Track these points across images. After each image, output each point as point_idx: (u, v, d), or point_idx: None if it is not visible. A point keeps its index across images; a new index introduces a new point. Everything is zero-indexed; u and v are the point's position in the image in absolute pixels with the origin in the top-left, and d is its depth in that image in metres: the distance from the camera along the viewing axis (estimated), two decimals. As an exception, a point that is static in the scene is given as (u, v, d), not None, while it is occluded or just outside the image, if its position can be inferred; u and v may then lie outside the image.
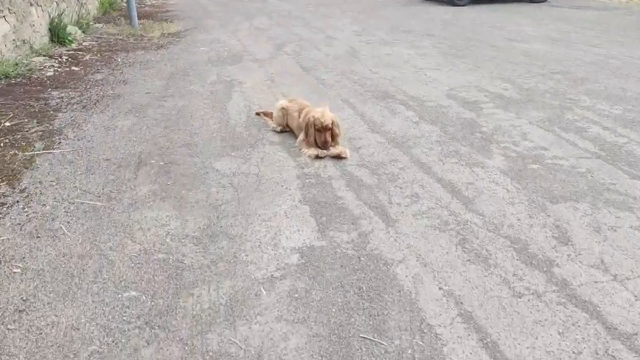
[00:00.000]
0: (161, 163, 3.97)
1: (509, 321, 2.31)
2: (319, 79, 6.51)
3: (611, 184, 3.64)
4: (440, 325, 2.29)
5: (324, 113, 4.11)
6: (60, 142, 4.40)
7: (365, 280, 2.58)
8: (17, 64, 6.65)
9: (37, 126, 4.78)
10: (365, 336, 2.23)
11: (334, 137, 4.14)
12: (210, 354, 2.15)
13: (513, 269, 2.68)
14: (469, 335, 2.24)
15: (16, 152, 4.15)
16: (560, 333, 2.25)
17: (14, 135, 4.48)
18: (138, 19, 10.82)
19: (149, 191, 3.52)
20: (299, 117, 4.41)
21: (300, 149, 4.20)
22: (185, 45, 8.84)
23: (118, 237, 2.98)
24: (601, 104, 5.40)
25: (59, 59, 7.45)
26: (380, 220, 3.15)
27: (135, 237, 2.98)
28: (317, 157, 4.04)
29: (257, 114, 5.07)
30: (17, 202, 3.36)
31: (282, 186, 3.60)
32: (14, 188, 3.55)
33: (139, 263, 2.73)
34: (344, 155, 4.02)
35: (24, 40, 7.30)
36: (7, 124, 4.78)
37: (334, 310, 2.38)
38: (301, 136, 4.27)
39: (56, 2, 8.85)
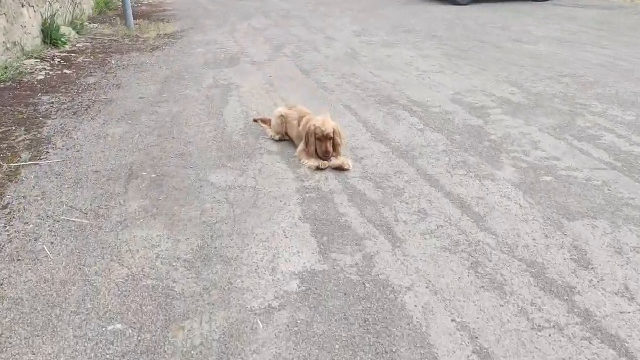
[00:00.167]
0: (153, 175, 3.76)
1: (530, 360, 2.11)
2: (319, 83, 6.29)
3: (630, 198, 3.43)
4: (454, 365, 2.08)
5: (325, 121, 3.90)
6: (48, 152, 4.18)
7: (372, 311, 2.37)
8: (7, 68, 6.43)
9: (25, 134, 4.57)
10: (372, 379, 2.03)
11: (335, 147, 3.93)
12: (201, 401, 1.94)
13: (531, 297, 2.47)
14: (487, 377, 2.03)
15: (1, 163, 3.94)
16: (587, 375, 2.05)
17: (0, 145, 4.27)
18: (134, 19, 10.60)
19: (139, 207, 3.31)
20: (299, 126, 4.20)
21: (300, 160, 3.99)
22: (181, 46, 8.63)
23: (105, 260, 2.77)
24: (613, 110, 5.19)
25: (51, 62, 7.24)
26: (386, 240, 2.94)
27: (123, 260, 2.77)
28: (318, 168, 3.83)
29: (255, 120, 4.86)
30: (-2, 220, 3.15)
31: (280, 201, 3.39)
32: (-4, 204, 3.34)
33: (126, 290, 2.52)
34: (346, 167, 3.81)
35: (14, 43, 7.08)
36: (-7, 132, 4.57)
37: (337, 347, 2.18)
38: (301, 146, 4.06)
39: (49, 3, 8.63)
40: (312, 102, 5.42)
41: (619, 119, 4.94)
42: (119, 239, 2.96)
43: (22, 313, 2.38)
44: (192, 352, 2.15)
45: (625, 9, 13.40)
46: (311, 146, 3.91)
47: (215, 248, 2.86)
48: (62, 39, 8.40)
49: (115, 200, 3.41)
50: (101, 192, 3.53)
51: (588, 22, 11.09)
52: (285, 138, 4.42)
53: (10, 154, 4.12)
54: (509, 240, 2.94)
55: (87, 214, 3.24)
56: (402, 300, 2.44)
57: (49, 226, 3.10)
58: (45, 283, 2.59)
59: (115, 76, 6.64)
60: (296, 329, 2.27)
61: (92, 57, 7.73)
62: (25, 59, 7.17)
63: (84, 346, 2.19)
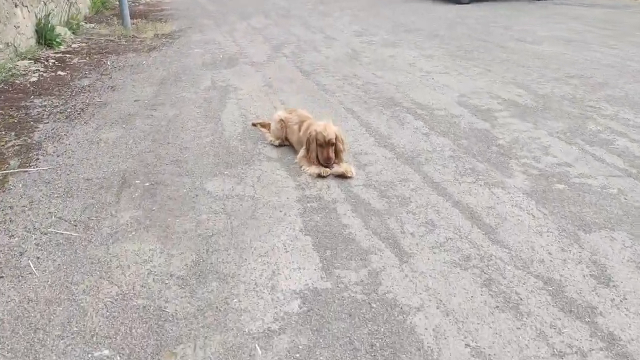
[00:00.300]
0: (147, 184, 3.58)
1: (553, 392, 1.93)
2: (320, 85, 6.12)
3: (648, 207, 3.26)
4: (470, 398, 1.91)
5: (327, 127, 3.72)
6: (38, 159, 4.01)
7: (379, 335, 2.20)
8: (-2, 69, 6.26)
9: (15, 139, 4.39)
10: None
11: (337, 153, 3.76)
12: None
13: (550, 318, 2.30)
14: (507, 412, 1.86)
15: (-13, 170, 3.76)
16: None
17: (-14, 151, 4.10)
18: (131, 18, 10.42)
19: (131, 218, 3.14)
20: (299, 131, 4.03)
21: (301, 167, 3.81)
22: (179, 46, 8.45)
23: (93, 276, 2.59)
24: (625, 112, 5.02)
25: (45, 63, 7.06)
26: (392, 254, 2.77)
27: (113, 277, 2.59)
28: (319, 176, 3.66)
29: (254, 124, 4.69)
30: (-19, 233, 2.98)
31: (280, 211, 3.21)
32: (-20, 215, 3.17)
33: (115, 311, 2.35)
34: (349, 175, 3.63)
35: (7, 43, 6.90)
36: (-19, 137, 4.40)
37: (342, 376, 2.00)
38: (301, 152, 3.89)
39: (44, 2, 8.45)
40: (313, 105, 5.25)
41: (631, 122, 4.77)
42: (109, 253, 2.79)
43: (2, 337, 2.21)
44: (185, 383, 1.98)
45: (630, 8, 13.22)
46: (312, 152, 3.74)
47: (211, 263, 2.69)
48: (57, 40, 8.22)
49: (107, 210, 3.24)
50: (92, 201, 3.36)
51: (593, 21, 10.92)
52: (285, 143, 4.25)
53: (-2, 160, 3.95)
54: (523, 254, 2.77)
55: (76, 225, 3.07)
56: (411, 322, 2.27)
57: (36, 239, 2.92)
58: (28, 303, 2.41)
59: (110, 78, 6.47)
60: (297, 355, 2.10)
61: (87, 58, 7.55)
62: (19, 60, 6.99)
63: (68, 375, 2.02)
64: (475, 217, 3.15)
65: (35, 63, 7.00)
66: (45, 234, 2.98)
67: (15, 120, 4.84)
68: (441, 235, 2.95)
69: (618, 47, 8.23)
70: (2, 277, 2.60)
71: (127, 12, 9.84)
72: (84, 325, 2.28)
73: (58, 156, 4.07)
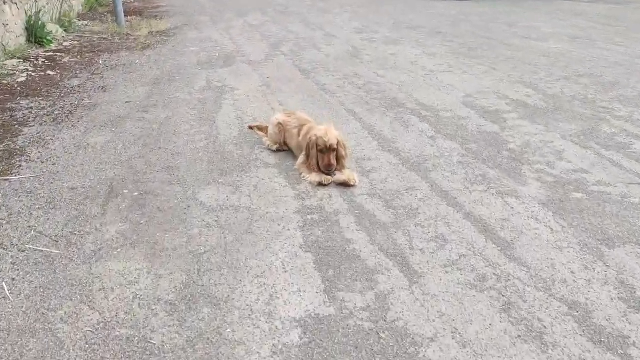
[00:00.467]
0: (135, 194, 3.34)
1: None
2: (320, 84, 5.87)
3: (674, 219, 3.03)
4: None
5: (328, 131, 3.49)
6: (20, 166, 3.77)
7: (389, 371, 1.97)
8: (-16, 69, 6.00)
9: (-3, 144, 4.15)
10: None
11: (339, 159, 3.52)
12: None
13: (578, 350, 2.07)
14: None
15: (-35, 179, 3.52)
16: None
17: (-35, 158, 3.85)
18: (126, 15, 10.17)
19: (117, 233, 2.90)
20: (299, 135, 3.79)
21: (301, 174, 3.58)
22: (174, 44, 8.19)
23: (73, 301, 2.36)
24: (639, 114, 4.78)
25: (35, 62, 6.81)
26: (401, 274, 2.53)
27: (95, 301, 2.36)
28: (321, 184, 3.42)
29: (251, 127, 4.44)
30: (-47, 251, 2.74)
31: (279, 225, 2.97)
32: (-47, 231, 2.93)
33: (95, 343, 2.11)
34: (352, 183, 3.40)
35: (-6, 42, 6.64)
36: (-39, 143, 4.15)
37: (349, 422, 1.77)
38: (301, 158, 3.65)
39: (34, -1, 8.18)
40: (312, 107, 5.01)
41: (647, 124, 4.54)
42: (92, 274, 2.55)
43: (-33, 374, 1.97)
44: None
45: (633, 4, 12.98)
46: (312, 158, 3.50)
47: (203, 286, 2.45)
48: (48, 38, 7.97)
49: (91, 224, 3.00)
50: (75, 213, 3.12)
51: (596, 18, 10.68)
52: (283, 148, 4.01)
53: (-23, 168, 3.71)
54: (543, 274, 2.54)
55: (57, 241, 2.83)
56: (424, 356, 2.04)
57: (12, 257, 2.69)
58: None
59: (102, 77, 6.22)
60: (298, 395, 1.87)
61: (78, 57, 7.29)
62: (7, 59, 6.74)
63: (38, 422, 1.78)
64: (489, 230, 2.91)
65: (24, 62, 6.76)
66: (23, 251, 2.74)
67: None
68: (453, 252, 2.71)
69: (624, 44, 7.99)
70: (-28, 302, 2.36)
71: (121, 9, 9.58)
72: None
73: (42, 163, 3.83)
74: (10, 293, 2.41)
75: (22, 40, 7.58)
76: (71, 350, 2.08)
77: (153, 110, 4.95)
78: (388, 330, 2.17)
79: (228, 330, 2.17)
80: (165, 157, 3.91)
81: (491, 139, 4.23)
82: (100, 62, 7.01)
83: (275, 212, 3.12)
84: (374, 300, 2.35)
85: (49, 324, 2.22)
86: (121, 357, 2.04)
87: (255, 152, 4.01)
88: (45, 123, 4.64)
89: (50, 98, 5.37)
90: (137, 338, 2.14)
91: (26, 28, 7.74)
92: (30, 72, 6.33)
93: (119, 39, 8.60)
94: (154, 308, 2.31)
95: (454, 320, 2.22)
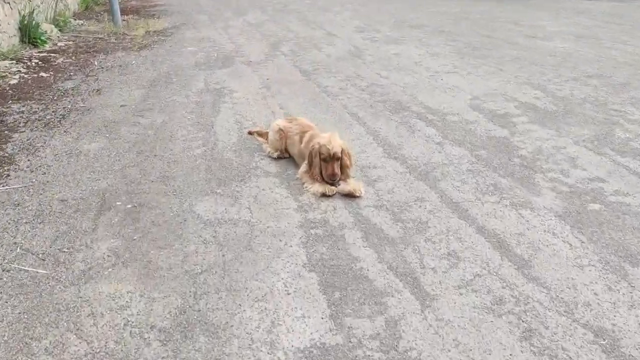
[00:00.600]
0: (129, 206, 3.17)
1: None
2: (321, 86, 5.69)
3: (700, 233, 2.85)
4: None
5: (332, 139, 3.31)
6: (8, 175, 3.59)
7: (402, 410, 1.79)
8: (-26, 71, 5.82)
9: (-15, 152, 3.97)
10: None
11: (343, 168, 3.34)
12: None
13: (608, 385, 1.89)
14: None
15: (-51, 191, 3.34)
16: None
17: (-49, 167, 3.68)
18: (123, 14, 9.98)
19: (108, 250, 2.72)
20: (301, 142, 3.62)
21: (303, 184, 3.40)
22: (171, 44, 8.01)
23: (59, 329, 2.18)
24: (654, 117, 4.61)
25: (28, 63, 6.62)
26: (412, 296, 2.36)
27: (83, 329, 2.18)
28: (324, 195, 3.25)
29: (250, 133, 4.27)
30: None
31: (280, 240, 2.80)
32: None
33: (81, 378, 1.94)
34: (357, 194, 3.23)
35: (-15, 43, 6.46)
36: (-53, 150, 3.98)
37: None
38: (303, 167, 3.48)
39: (27, -2, 7.99)
40: (314, 110, 4.84)
41: (663, 128, 4.36)
42: (80, 297, 2.37)
43: (-59, 415, 1.80)
44: None
45: (637, 1, 12.80)
46: (315, 167, 3.33)
47: (199, 310, 2.28)
48: (42, 38, 7.78)
49: (81, 240, 2.82)
50: (65, 228, 2.94)
51: (600, 15, 10.50)
52: (284, 155, 3.84)
53: (-37, 178, 3.53)
54: (565, 295, 2.37)
55: (44, 260, 2.65)
56: (441, 392, 1.86)
57: (-4, 278, 2.51)
58: (-22, 365, 2.00)
59: (97, 79, 6.03)
60: None
61: (73, 58, 7.11)
62: (-1, 61, 6.54)
63: None
64: (504, 246, 2.74)
65: (17, 63, 6.57)
66: (8, 270, 2.57)
67: (-11, 129, 4.42)
68: (467, 271, 2.54)
69: (631, 43, 7.81)
70: (-50, 329, 2.18)
71: (117, 7, 9.38)
72: (43, 396, 1.87)
73: (32, 172, 3.65)
74: (-9, 319, 2.24)
75: (15, 40, 7.39)
76: (55, 387, 1.90)
77: (149, 115, 4.77)
78: (400, 362, 2.00)
79: (226, 362, 2.00)
80: (161, 165, 3.73)
81: (501, 145, 4.05)
82: (96, 63, 6.82)
83: (276, 226, 2.94)
84: (384, 326, 2.18)
85: (32, 355, 2.05)
86: (110, 395, 1.87)
87: (255, 160, 3.83)
88: (36, 128, 4.46)
89: (43, 101, 5.19)
90: (127, 372, 1.96)
91: (19, 28, 7.55)
92: (23, 74, 6.14)
93: (115, 39, 8.41)
94: (146, 337, 2.13)
95: (471, 350, 2.05)
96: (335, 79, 6.00)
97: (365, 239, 2.82)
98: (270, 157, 3.85)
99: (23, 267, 2.59)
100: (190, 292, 2.39)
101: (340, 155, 3.30)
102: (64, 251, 2.73)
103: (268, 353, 2.04)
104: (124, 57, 7.13)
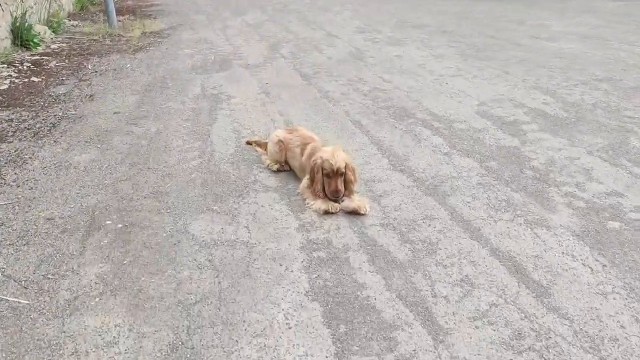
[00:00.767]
0: (119, 225, 2.98)
1: None
2: (322, 91, 5.50)
3: None
4: None
5: (335, 153, 3.12)
6: (-7, 190, 3.40)
7: None
8: (-37, 77, 5.62)
9: (-30, 164, 3.78)
10: None
11: (347, 184, 3.16)
12: None
13: None
14: None
15: None
16: None
17: None
18: (118, 14, 9.78)
19: (96, 277, 2.53)
20: (302, 155, 3.43)
21: (305, 200, 3.22)
22: (167, 46, 7.81)
23: (39, 369, 1.99)
24: (669, 125, 4.43)
25: (19, 67, 6.43)
26: (424, 329, 2.17)
27: (65, 369, 1.99)
28: (327, 212, 3.06)
29: (249, 143, 4.08)
30: None
31: (280, 265, 2.61)
32: None
33: None
34: (362, 212, 3.04)
35: (-25, 46, 6.26)
36: None
37: None
38: (305, 182, 3.29)
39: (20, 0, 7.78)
40: (315, 118, 4.65)
41: (680, 136, 4.18)
42: (64, 332, 2.19)
43: None
44: None
45: (643, 0, 12.60)
46: (318, 183, 3.14)
47: (193, 348, 2.09)
48: (35, 40, 7.58)
49: (67, 264, 2.64)
50: (51, 250, 2.75)
51: (609, 16, 10.30)
52: (284, 168, 3.65)
53: (-56, 194, 3.34)
54: (589, 328, 2.18)
55: (26, 288, 2.46)
56: None
57: (-26, 309, 2.32)
58: (-51, 414, 1.81)
59: (90, 84, 5.84)
60: None
61: (66, 61, 6.91)
62: (-11, 65, 6.35)
63: None
64: (520, 271, 2.55)
65: (7, 67, 6.37)
66: (-13, 300, 2.38)
67: (-25, 139, 4.23)
68: (482, 300, 2.35)
69: (639, 43, 7.62)
70: None
71: (112, 8, 9.18)
72: None
73: (18, 187, 3.46)
74: (-34, 358, 2.05)
75: (7, 43, 7.19)
76: None
77: (143, 123, 4.58)
78: (413, 410, 1.81)
79: (222, 411, 1.81)
80: (154, 179, 3.54)
81: (511, 156, 3.87)
82: (89, 66, 6.63)
83: (276, 248, 2.75)
84: (394, 366, 1.99)
85: (8, 402, 1.86)
86: None
87: (254, 173, 3.64)
88: (25, 138, 4.27)
89: (33, 109, 5.00)
90: (112, 423, 1.78)
91: (11, 30, 7.35)
92: (14, 79, 5.95)
93: (110, 41, 8.21)
94: (134, 380, 1.95)
95: (491, 396, 1.87)
96: (337, 83, 5.81)
97: (372, 262, 2.63)
98: (269, 169, 3.66)
99: (3, 297, 2.41)
100: (183, 325, 2.21)
101: (344, 170, 3.11)
102: (49, 278, 2.54)
103: (268, 400, 1.85)
104: (119, 60, 6.93)
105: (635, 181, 3.46)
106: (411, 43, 7.94)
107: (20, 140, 4.24)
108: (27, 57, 6.93)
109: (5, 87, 5.65)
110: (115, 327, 2.21)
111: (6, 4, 7.25)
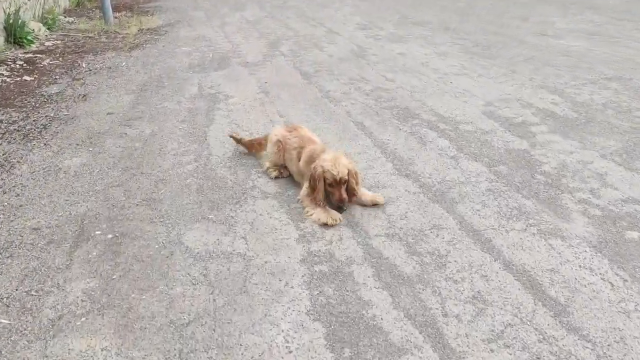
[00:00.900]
0: (109, 236, 2.82)
1: None
2: (323, 91, 5.33)
3: None
4: None
5: (337, 162, 2.96)
6: (-22, 197, 3.23)
7: None
8: (-48, 76, 5.45)
9: (-44, 169, 3.61)
10: None
11: (350, 190, 2.99)
12: None
13: None
14: None
15: None
16: None
17: None
18: (115, 11, 9.60)
19: (83, 293, 2.37)
20: (298, 159, 3.27)
21: (305, 208, 3.05)
22: (164, 44, 7.63)
23: (18, 399, 1.83)
24: (684, 126, 4.26)
25: (12, 65, 6.25)
26: (435, 354, 2.01)
27: (46, 399, 1.83)
28: (326, 225, 2.90)
29: (232, 137, 3.89)
30: None
31: (280, 280, 2.45)
32: None
33: None
34: (381, 201, 3.07)
35: (-35, 44, 6.08)
36: None
37: None
38: (304, 190, 3.13)
39: (13, -4, 7.60)
40: (316, 119, 4.49)
41: (696, 139, 4.01)
42: (46, 356, 2.02)
43: None
44: None
45: (649, -4, 12.38)
46: (319, 192, 2.98)
47: (185, 375, 1.93)
48: (29, 37, 7.41)
49: (53, 279, 2.48)
50: (35, 264, 2.59)
51: (613, 12, 10.10)
52: (283, 175, 3.48)
53: None
54: (613, 352, 2.02)
55: (8, 305, 2.30)
56: None
57: (-50, 330, 2.16)
58: None
59: (84, 83, 5.66)
60: None
61: (60, 59, 6.73)
62: (-20, 63, 6.17)
63: None
64: (536, 287, 2.39)
65: (-1, 66, 6.19)
66: (-34, 320, 2.22)
67: (-38, 142, 4.06)
68: (497, 320, 2.19)
69: (649, 41, 7.44)
70: None
71: (108, 4, 8.99)
72: None
73: (4, 193, 3.30)
74: (-61, 387, 1.89)
75: (0, 40, 7.00)
76: None
77: (137, 124, 4.41)
78: None
79: None
80: (148, 185, 3.37)
81: (521, 159, 3.70)
82: (84, 64, 6.45)
83: (275, 261, 2.59)
84: (403, 397, 1.83)
85: None
86: None
87: (252, 178, 3.48)
88: (14, 141, 4.10)
89: (24, 109, 4.82)
90: None
91: (4, 27, 7.17)
92: (5, 78, 5.78)
93: (106, 38, 8.03)
94: (120, 412, 1.78)
95: None
96: (338, 82, 5.63)
97: (377, 277, 2.47)
98: (268, 174, 3.50)
99: (-17, 316, 2.24)
100: (175, 349, 2.05)
101: (347, 178, 2.95)
102: (32, 294, 2.38)
103: None
104: (114, 58, 6.75)
105: (653, 187, 3.29)
106: (414, 40, 7.76)
107: (9, 142, 4.07)
108: (20, 55, 6.75)
109: (-4, 86, 5.48)
110: (101, 350, 2.05)
111: (-1, 0, 7.07)
